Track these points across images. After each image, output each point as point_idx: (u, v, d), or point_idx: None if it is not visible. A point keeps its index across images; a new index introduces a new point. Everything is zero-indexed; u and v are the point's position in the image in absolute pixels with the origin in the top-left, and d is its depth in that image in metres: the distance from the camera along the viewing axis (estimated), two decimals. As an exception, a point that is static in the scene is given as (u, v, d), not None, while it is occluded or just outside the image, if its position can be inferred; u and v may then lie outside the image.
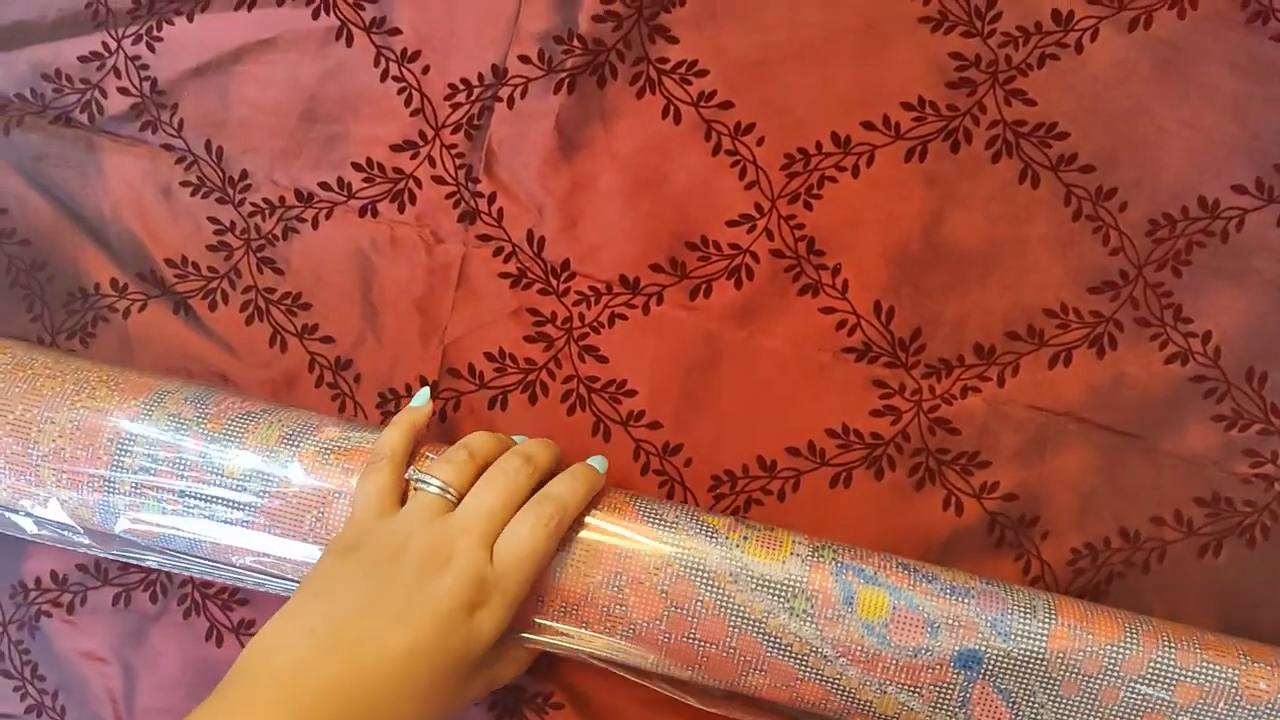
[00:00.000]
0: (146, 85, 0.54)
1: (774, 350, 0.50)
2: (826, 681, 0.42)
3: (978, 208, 0.48)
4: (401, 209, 0.53)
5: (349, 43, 0.53)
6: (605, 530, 0.44)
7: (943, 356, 0.49)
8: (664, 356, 0.50)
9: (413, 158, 0.53)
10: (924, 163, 0.49)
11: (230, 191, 0.54)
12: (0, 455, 0.47)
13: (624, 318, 0.51)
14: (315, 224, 0.53)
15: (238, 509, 0.45)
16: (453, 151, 0.52)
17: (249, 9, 0.53)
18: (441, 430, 0.52)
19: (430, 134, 0.52)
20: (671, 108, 0.50)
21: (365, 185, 0.53)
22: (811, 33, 0.49)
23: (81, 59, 0.55)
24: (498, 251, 0.52)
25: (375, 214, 0.53)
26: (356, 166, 0.53)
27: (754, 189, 0.50)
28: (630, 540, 0.43)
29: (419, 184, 0.53)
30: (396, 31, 0.52)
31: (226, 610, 0.53)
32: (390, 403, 0.53)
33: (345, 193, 0.53)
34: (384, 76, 0.52)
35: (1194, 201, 0.47)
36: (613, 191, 0.51)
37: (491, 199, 0.52)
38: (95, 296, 0.55)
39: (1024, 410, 0.48)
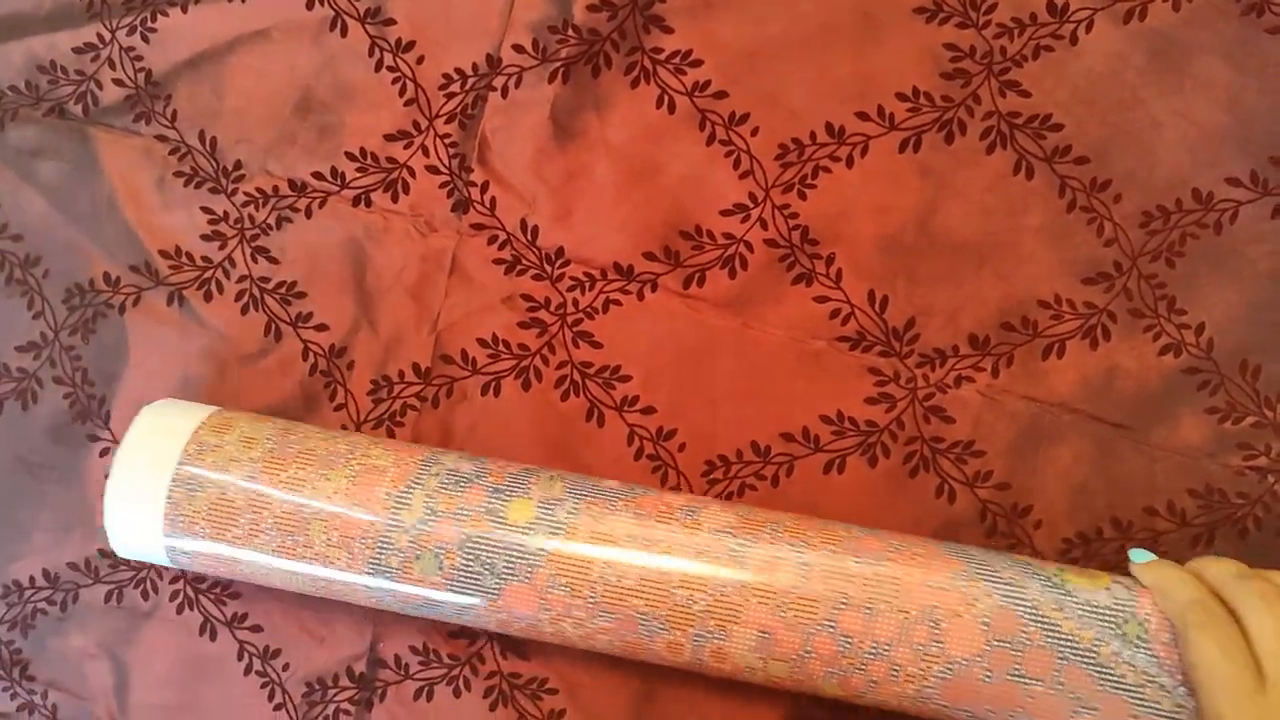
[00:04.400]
0: (141, 76, 0.54)
1: (768, 338, 0.50)
2: (1164, 717, 0.39)
3: (972, 199, 0.48)
4: (395, 199, 0.53)
5: (343, 33, 0.53)
6: (914, 562, 0.42)
7: (937, 346, 0.49)
8: (658, 342, 0.50)
9: (406, 147, 0.53)
10: (918, 153, 0.49)
11: (224, 182, 0.54)
12: (270, 515, 0.45)
13: (618, 303, 0.51)
14: (309, 213, 0.53)
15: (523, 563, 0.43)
16: (446, 141, 0.52)
17: (243, 0, 0.53)
18: (435, 417, 0.52)
19: (424, 124, 0.52)
20: (666, 97, 0.50)
21: (359, 175, 0.53)
22: (806, 23, 0.49)
23: (76, 50, 0.54)
24: (491, 240, 0.52)
25: (369, 204, 0.53)
26: (350, 156, 0.53)
27: (748, 179, 0.50)
28: (943, 574, 0.42)
29: (412, 174, 0.53)
30: (391, 22, 0.52)
31: (220, 604, 0.53)
32: (382, 389, 0.52)
33: (339, 182, 0.53)
34: (378, 66, 0.52)
35: (1188, 193, 0.47)
36: (606, 181, 0.51)
37: (484, 188, 0.52)
38: (91, 293, 0.55)
39: (1017, 400, 0.48)
